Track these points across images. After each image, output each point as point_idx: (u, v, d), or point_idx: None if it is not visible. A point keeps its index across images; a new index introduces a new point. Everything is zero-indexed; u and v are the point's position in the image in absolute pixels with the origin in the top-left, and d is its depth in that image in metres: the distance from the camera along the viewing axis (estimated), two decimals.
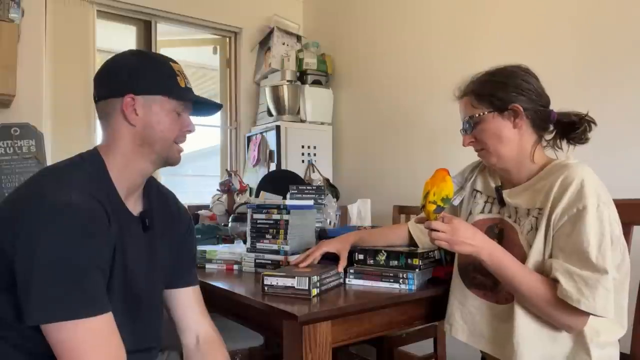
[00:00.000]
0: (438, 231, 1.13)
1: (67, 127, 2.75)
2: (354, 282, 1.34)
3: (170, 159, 1.11)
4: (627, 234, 1.27)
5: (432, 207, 1.17)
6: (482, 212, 1.30)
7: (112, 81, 1.06)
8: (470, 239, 1.12)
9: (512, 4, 2.32)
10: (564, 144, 1.25)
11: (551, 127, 1.24)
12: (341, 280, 1.35)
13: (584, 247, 1.04)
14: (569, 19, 2.09)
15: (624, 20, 1.91)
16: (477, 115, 1.21)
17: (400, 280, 1.28)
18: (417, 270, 1.28)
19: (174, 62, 1.11)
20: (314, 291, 1.19)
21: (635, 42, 1.87)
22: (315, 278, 1.19)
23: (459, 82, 1.30)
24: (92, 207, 0.93)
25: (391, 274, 1.29)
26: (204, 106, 1.17)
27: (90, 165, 1.02)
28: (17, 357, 0.94)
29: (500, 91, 1.19)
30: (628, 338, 1.27)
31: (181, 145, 1.13)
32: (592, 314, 1.03)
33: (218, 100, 3.52)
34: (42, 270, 0.86)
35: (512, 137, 1.19)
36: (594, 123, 1.21)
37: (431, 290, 1.32)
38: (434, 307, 1.36)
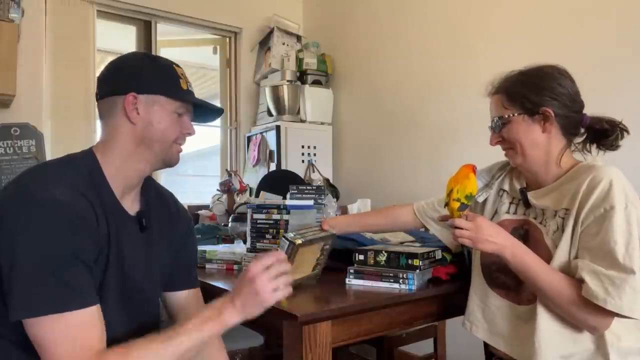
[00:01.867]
0: (462, 229, 1.13)
1: (67, 127, 2.75)
2: (354, 282, 1.34)
3: (169, 160, 1.11)
4: None
5: (456, 205, 1.17)
6: (508, 212, 1.29)
7: (115, 80, 1.07)
8: (493, 237, 1.11)
9: (516, 3, 2.32)
10: (594, 147, 1.24)
11: (582, 131, 1.22)
12: (334, 233, 1.37)
13: (610, 246, 1.03)
14: (573, 18, 2.09)
15: (630, 19, 1.91)
16: (506, 116, 1.19)
17: (400, 281, 1.28)
18: (417, 270, 1.28)
19: (177, 65, 1.12)
20: (298, 240, 1.15)
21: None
22: (290, 234, 1.17)
23: (491, 78, 1.27)
24: (77, 204, 0.93)
25: (391, 274, 1.29)
26: (205, 112, 1.17)
27: (81, 163, 1.02)
28: (17, 354, 0.94)
29: (533, 94, 1.17)
30: None
31: (181, 146, 1.13)
32: (618, 314, 1.02)
33: (218, 101, 3.53)
34: (23, 265, 0.87)
35: (540, 141, 1.18)
36: (627, 131, 1.20)
37: (431, 290, 1.32)
38: (433, 307, 1.36)
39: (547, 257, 1.13)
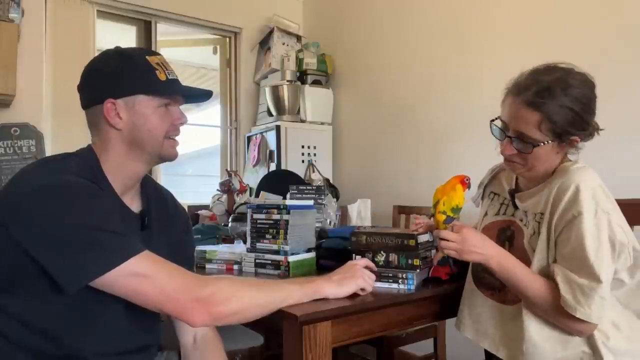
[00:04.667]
0: (447, 240, 1.12)
1: (67, 127, 2.74)
2: None
3: (165, 155, 1.09)
4: None
5: (442, 218, 1.17)
6: (497, 214, 1.29)
7: (90, 89, 1.06)
8: (479, 248, 1.11)
9: (515, 3, 2.32)
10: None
11: None
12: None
13: (579, 253, 1.04)
14: (570, 15, 2.09)
15: (629, 18, 1.91)
16: (541, 144, 1.10)
17: (400, 280, 1.28)
18: (417, 270, 1.28)
19: (153, 54, 1.08)
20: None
21: (636, 41, 1.87)
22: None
23: (517, 76, 1.16)
24: (82, 181, 0.95)
25: (390, 274, 1.29)
26: (194, 94, 1.14)
27: (82, 159, 1.03)
28: (15, 353, 0.94)
29: (574, 126, 1.10)
30: None
31: (176, 138, 1.11)
32: (587, 322, 1.03)
33: (218, 100, 3.53)
34: (70, 235, 0.88)
35: (553, 160, 1.16)
36: (598, 131, 1.17)
37: (431, 290, 1.32)
38: (433, 307, 1.35)
39: (526, 261, 1.14)
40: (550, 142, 1.11)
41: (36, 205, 0.88)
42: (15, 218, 0.89)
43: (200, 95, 1.16)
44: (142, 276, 0.91)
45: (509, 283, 1.12)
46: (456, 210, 1.17)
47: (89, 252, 0.88)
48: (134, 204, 1.11)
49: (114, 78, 1.03)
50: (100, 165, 1.04)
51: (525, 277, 1.10)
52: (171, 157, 1.11)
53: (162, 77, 1.04)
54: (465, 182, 1.19)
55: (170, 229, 1.19)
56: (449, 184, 1.19)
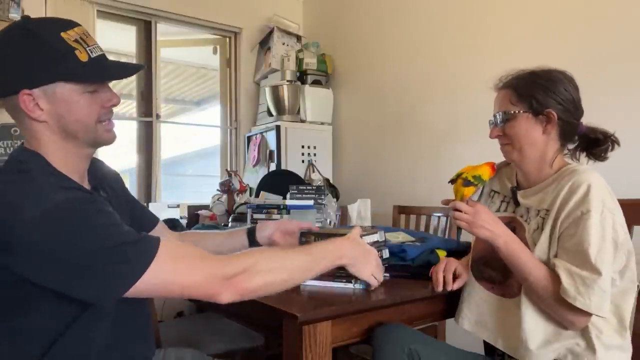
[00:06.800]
0: (461, 212, 1.16)
1: None
2: (309, 283, 1.28)
3: (101, 141, 0.99)
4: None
5: (462, 181, 1.22)
6: (498, 210, 1.34)
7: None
8: (489, 225, 1.15)
9: (517, 4, 2.32)
10: (583, 156, 1.27)
11: (576, 138, 1.26)
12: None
13: (584, 248, 1.07)
14: (570, 17, 2.09)
15: (626, 18, 1.91)
16: (512, 112, 1.22)
17: (353, 280, 1.25)
18: None
19: (69, 26, 0.92)
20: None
21: (636, 41, 1.87)
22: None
23: (500, 73, 1.30)
24: (77, 195, 0.88)
25: (344, 274, 1.24)
26: (125, 73, 1.02)
27: (36, 168, 0.92)
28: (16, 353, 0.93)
29: (541, 94, 1.20)
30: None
31: (112, 121, 1.00)
32: (586, 312, 1.06)
33: (218, 100, 3.53)
34: (86, 255, 0.82)
35: (539, 141, 1.22)
36: (618, 144, 1.23)
37: (431, 290, 1.32)
38: (433, 307, 1.36)
39: None
40: (522, 112, 1.21)
41: (42, 238, 0.80)
42: (19, 251, 0.81)
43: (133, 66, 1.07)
44: (165, 276, 0.88)
45: (513, 265, 1.15)
46: (477, 179, 1.22)
47: (113, 270, 0.84)
48: (89, 185, 1.05)
49: (26, 64, 0.88)
50: (51, 165, 0.93)
51: (529, 261, 1.13)
52: (109, 141, 1.00)
53: (84, 58, 0.90)
54: (494, 168, 1.26)
55: (116, 188, 1.15)
56: (478, 164, 1.25)
